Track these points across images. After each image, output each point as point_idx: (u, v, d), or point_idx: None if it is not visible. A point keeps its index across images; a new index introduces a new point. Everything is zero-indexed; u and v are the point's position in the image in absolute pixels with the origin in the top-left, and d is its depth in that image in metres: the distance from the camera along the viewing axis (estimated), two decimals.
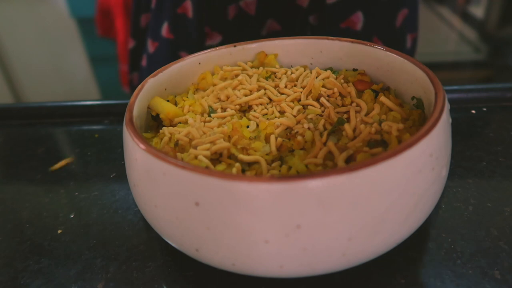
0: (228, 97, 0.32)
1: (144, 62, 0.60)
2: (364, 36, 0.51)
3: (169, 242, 0.25)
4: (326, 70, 0.34)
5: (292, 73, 0.34)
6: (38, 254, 0.30)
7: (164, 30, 0.54)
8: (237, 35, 0.51)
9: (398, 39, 0.55)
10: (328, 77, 0.32)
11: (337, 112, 0.29)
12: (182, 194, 0.21)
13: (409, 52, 0.57)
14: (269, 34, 0.51)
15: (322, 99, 0.30)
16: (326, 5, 0.49)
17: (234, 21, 0.50)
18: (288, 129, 0.28)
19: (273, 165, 0.25)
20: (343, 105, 0.30)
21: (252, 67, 0.35)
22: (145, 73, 0.59)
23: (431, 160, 0.22)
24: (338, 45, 0.34)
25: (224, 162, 0.26)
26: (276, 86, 0.32)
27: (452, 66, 1.30)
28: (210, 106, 0.31)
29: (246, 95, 0.32)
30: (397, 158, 0.20)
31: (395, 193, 0.21)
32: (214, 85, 0.34)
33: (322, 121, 0.28)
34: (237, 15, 0.50)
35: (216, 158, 0.26)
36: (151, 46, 0.57)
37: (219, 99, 0.32)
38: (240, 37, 0.51)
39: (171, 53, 0.55)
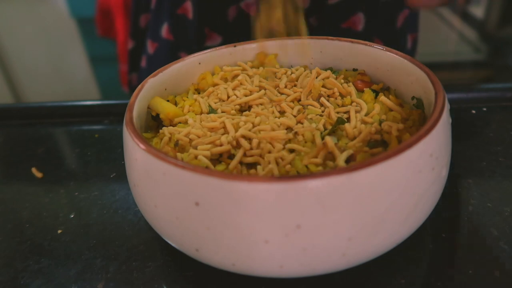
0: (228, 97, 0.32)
1: (143, 62, 0.60)
2: (365, 36, 0.51)
3: (169, 242, 0.25)
4: (326, 70, 0.34)
5: (292, 73, 0.34)
6: (38, 254, 0.30)
7: (164, 31, 0.54)
8: (238, 36, 0.51)
9: (399, 39, 0.55)
10: (328, 77, 0.32)
11: (337, 112, 0.29)
12: (182, 194, 0.21)
13: (409, 53, 0.57)
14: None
15: (322, 99, 0.30)
16: (327, 5, 0.49)
17: (234, 22, 0.50)
18: (288, 129, 0.28)
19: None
20: (343, 105, 0.30)
21: (252, 67, 0.35)
22: (144, 74, 0.59)
23: (431, 160, 0.22)
24: (338, 45, 0.34)
25: (224, 162, 0.26)
26: (276, 86, 0.32)
27: (452, 66, 1.30)
28: (210, 106, 0.31)
29: (246, 95, 0.32)
30: (397, 158, 0.20)
31: (395, 193, 0.21)
32: (214, 85, 0.34)
33: (322, 121, 0.28)
34: (237, 16, 0.50)
35: (216, 158, 0.26)
36: (150, 47, 0.57)
37: (219, 99, 0.32)
38: (240, 38, 0.51)
39: (170, 54, 0.55)
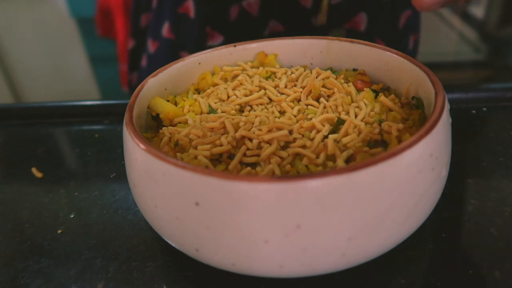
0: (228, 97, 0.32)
1: (144, 62, 0.60)
2: (367, 36, 0.51)
3: (169, 242, 0.25)
4: (326, 70, 0.34)
5: (292, 73, 0.34)
6: (38, 254, 0.30)
7: (165, 30, 0.54)
8: (239, 35, 0.51)
9: (400, 40, 0.55)
10: (328, 77, 0.32)
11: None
12: (182, 194, 0.21)
13: (411, 54, 0.57)
14: (271, 35, 0.51)
15: (322, 99, 0.30)
16: (330, 5, 0.49)
17: (236, 21, 0.50)
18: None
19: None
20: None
21: (252, 67, 0.35)
22: (145, 74, 0.59)
23: (431, 160, 0.22)
24: (338, 45, 0.34)
25: (224, 162, 0.26)
26: (276, 86, 0.32)
27: (452, 66, 1.30)
28: (210, 106, 0.31)
29: (246, 95, 0.32)
30: (397, 158, 0.20)
31: (395, 193, 0.21)
32: (214, 85, 0.34)
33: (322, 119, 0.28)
34: (239, 15, 0.50)
35: (216, 158, 0.26)
36: (151, 46, 0.57)
37: (219, 99, 0.32)
38: (242, 38, 0.51)
39: (171, 53, 0.54)
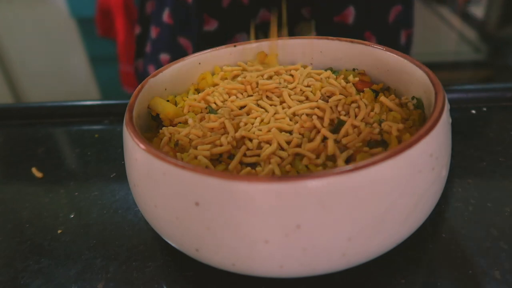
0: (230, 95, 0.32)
1: (148, 48, 0.61)
2: (357, 30, 0.52)
3: (169, 242, 0.25)
4: (326, 70, 0.34)
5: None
6: (38, 254, 0.30)
7: (165, 15, 0.55)
8: (232, 22, 0.52)
9: (391, 34, 0.55)
10: (328, 77, 0.32)
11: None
12: (182, 194, 0.21)
13: (404, 49, 0.57)
14: (262, 24, 0.52)
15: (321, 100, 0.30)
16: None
17: (228, 9, 0.51)
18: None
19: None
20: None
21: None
22: (148, 59, 0.61)
23: (431, 160, 0.22)
24: (338, 45, 0.34)
25: (224, 162, 0.26)
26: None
27: (452, 66, 1.30)
28: (209, 106, 0.31)
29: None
30: (397, 158, 0.20)
31: (395, 193, 0.21)
32: (214, 85, 0.34)
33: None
34: (231, 3, 0.51)
35: (216, 158, 0.26)
36: (154, 32, 0.58)
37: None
38: (234, 24, 0.52)
39: (170, 38, 0.55)
